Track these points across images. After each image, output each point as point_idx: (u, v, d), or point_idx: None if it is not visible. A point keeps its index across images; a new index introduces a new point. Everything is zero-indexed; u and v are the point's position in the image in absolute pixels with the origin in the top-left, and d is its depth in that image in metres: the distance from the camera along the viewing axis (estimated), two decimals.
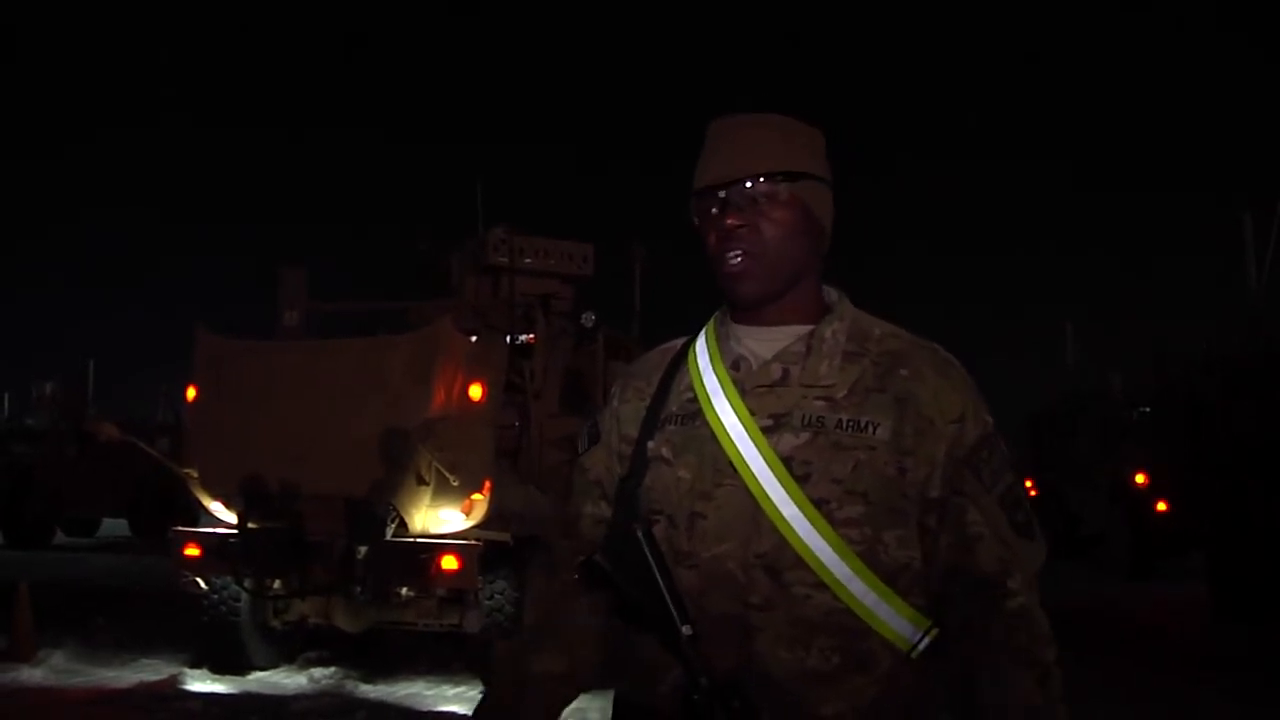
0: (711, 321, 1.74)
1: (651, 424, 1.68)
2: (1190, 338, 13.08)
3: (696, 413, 1.63)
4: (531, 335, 8.04)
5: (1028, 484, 16.85)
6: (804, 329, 1.64)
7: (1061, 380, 20.18)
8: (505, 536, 6.90)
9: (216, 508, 7.03)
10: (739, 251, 1.61)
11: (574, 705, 6.15)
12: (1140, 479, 13.27)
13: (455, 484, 6.46)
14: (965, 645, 1.56)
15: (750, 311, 1.66)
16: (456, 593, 6.94)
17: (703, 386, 1.64)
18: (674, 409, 1.67)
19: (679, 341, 1.77)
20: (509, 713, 1.62)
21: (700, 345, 1.70)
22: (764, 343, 1.65)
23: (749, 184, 1.60)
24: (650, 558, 1.52)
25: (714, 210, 1.62)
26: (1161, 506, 12.78)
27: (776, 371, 1.62)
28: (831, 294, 1.71)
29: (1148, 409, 14.14)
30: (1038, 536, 1.61)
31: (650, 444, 1.66)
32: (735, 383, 1.63)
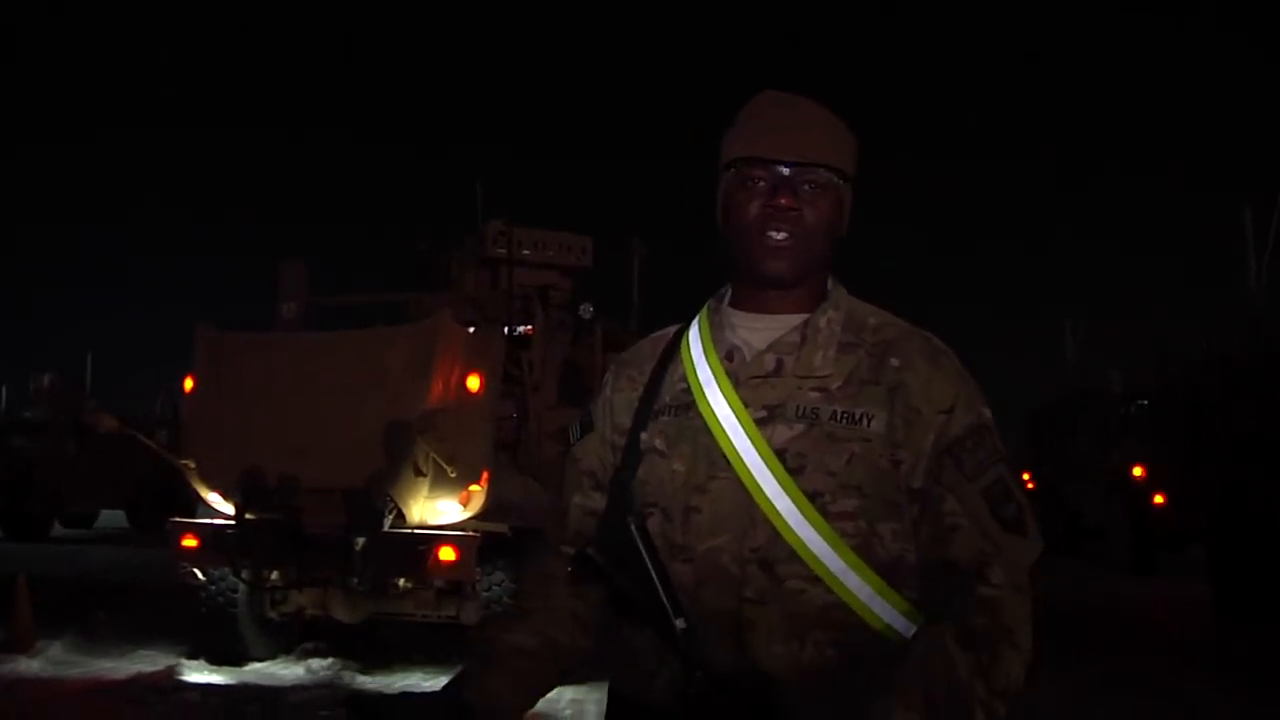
0: (705, 310, 1.71)
1: (644, 415, 1.66)
2: (1190, 335, 13.08)
3: (690, 404, 1.62)
4: (530, 327, 8.04)
5: (1025, 477, 16.95)
6: (799, 318, 1.63)
7: (1061, 379, 20.19)
8: (503, 528, 6.90)
9: (214, 499, 7.02)
10: (784, 232, 1.59)
11: (571, 696, 6.19)
12: (1139, 472, 13.27)
13: (453, 475, 6.46)
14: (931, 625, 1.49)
15: (755, 297, 1.65)
16: (454, 584, 6.95)
17: (696, 377, 1.63)
18: (667, 399, 1.65)
19: (671, 330, 1.75)
20: (473, 683, 1.58)
21: (693, 334, 1.68)
22: (758, 332, 1.64)
23: (810, 169, 1.58)
24: (644, 551, 1.51)
25: (762, 183, 1.59)
26: (1160, 499, 12.79)
27: (770, 362, 1.60)
28: (828, 282, 1.69)
29: (1146, 402, 14.14)
30: (1031, 533, 1.55)
31: (643, 435, 1.64)
32: (729, 373, 1.61)
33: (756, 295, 1.65)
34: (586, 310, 8.24)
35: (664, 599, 1.49)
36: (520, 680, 1.62)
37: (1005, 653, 1.45)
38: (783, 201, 1.58)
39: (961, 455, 1.54)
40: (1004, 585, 1.50)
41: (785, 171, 1.58)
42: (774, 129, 1.60)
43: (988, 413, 1.60)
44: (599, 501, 1.70)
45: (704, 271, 1.67)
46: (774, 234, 1.59)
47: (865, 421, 1.55)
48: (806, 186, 1.59)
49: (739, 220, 1.61)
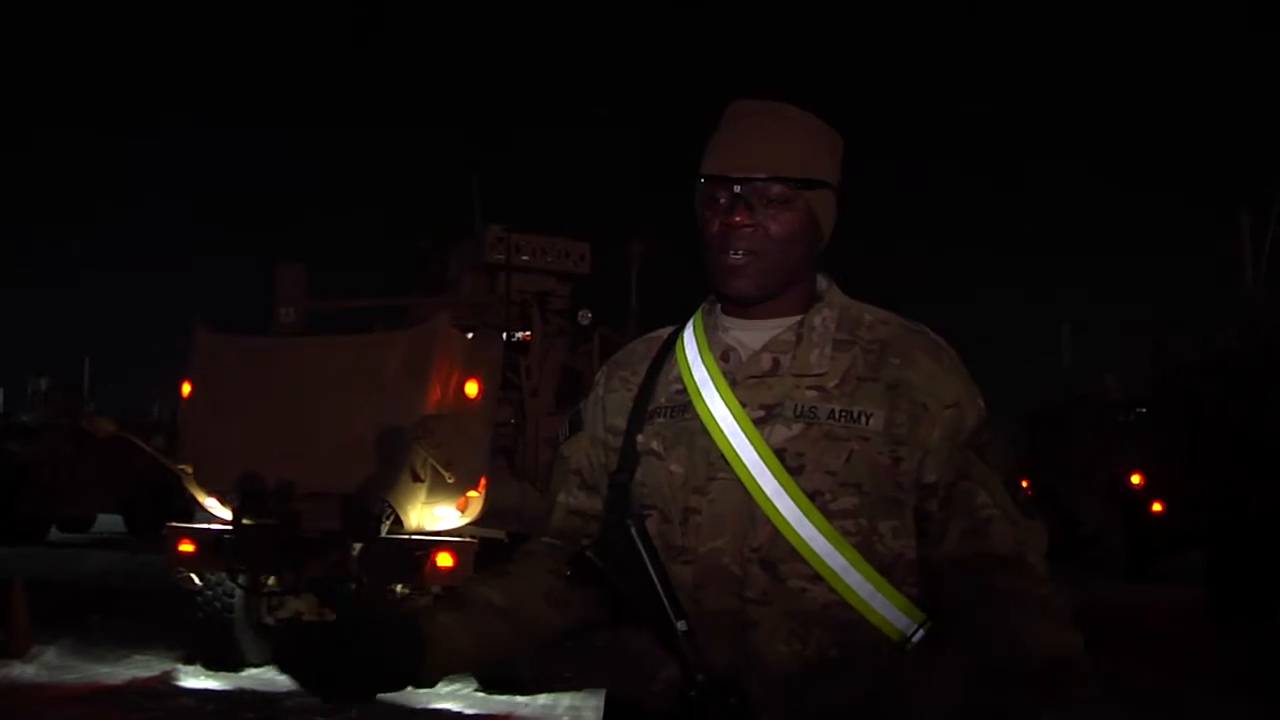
0: (699, 312, 1.71)
1: (639, 416, 1.66)
2: (1188, 336, 13.07)
3: (686, 405, 1.62)
4: (528, 333, 8.04)
5: (1024, 484, 16.95)
6: (793, 319, 1.63)
7: (1059, 381, 20.17)
8: (500, 534, 6.90)
9: (211, 504, 7.02)
10: (741, 249, 1.58)
11: (568, 704, 6.17)
12: (1136, 479, 13.27)
13: (451, 481, 6.45)
14: (973, 593, 1.53)
15: (740, 306, 1.65)
16: (451, 590, 6.92)
17: (692, 378, 1.62)
18: (662, 401, 1.65)
19: (665, 331, 1.75)
20: (434, 618, 1.57)
21: (688, 336, 1.68)
22: (753, 333, 1.64)
23: (765, 184, 1.57)
24: (644, 553, 1.51)
25: (722, 199, 1.59)
26: (1157, 507, 12.77)
27: (767, 362, 1.61)
28: (821, 281, 1.69)
29: (1144, 410, 14.14)
30: (1038, 516, 1.61)
31: (639, 437, 1.64)
32: (725, 374, 1.61)
33: (740, 305, 1.65)
34: (585, 316, 8.25)
35: (664, 601, 1.49)
36: (481, 632, 1.60)
37: (1059, 605, 1.52)
38: (737, 219, 1.58)
39: (984, 448, 1.58)
40: (1040, 565, 1.56)
41: (738, 189, 1.58)
42: (733, 145, 1.60)
43: (984, 405, 1.62)
44: (583, 500, 1.71)
45: (702, 274, 1.66)
46: (731, 252, 1.59)
47: (864, 419, 1.56)
48: (763, 201, 1.58)
49: (704, 236, 1.62)
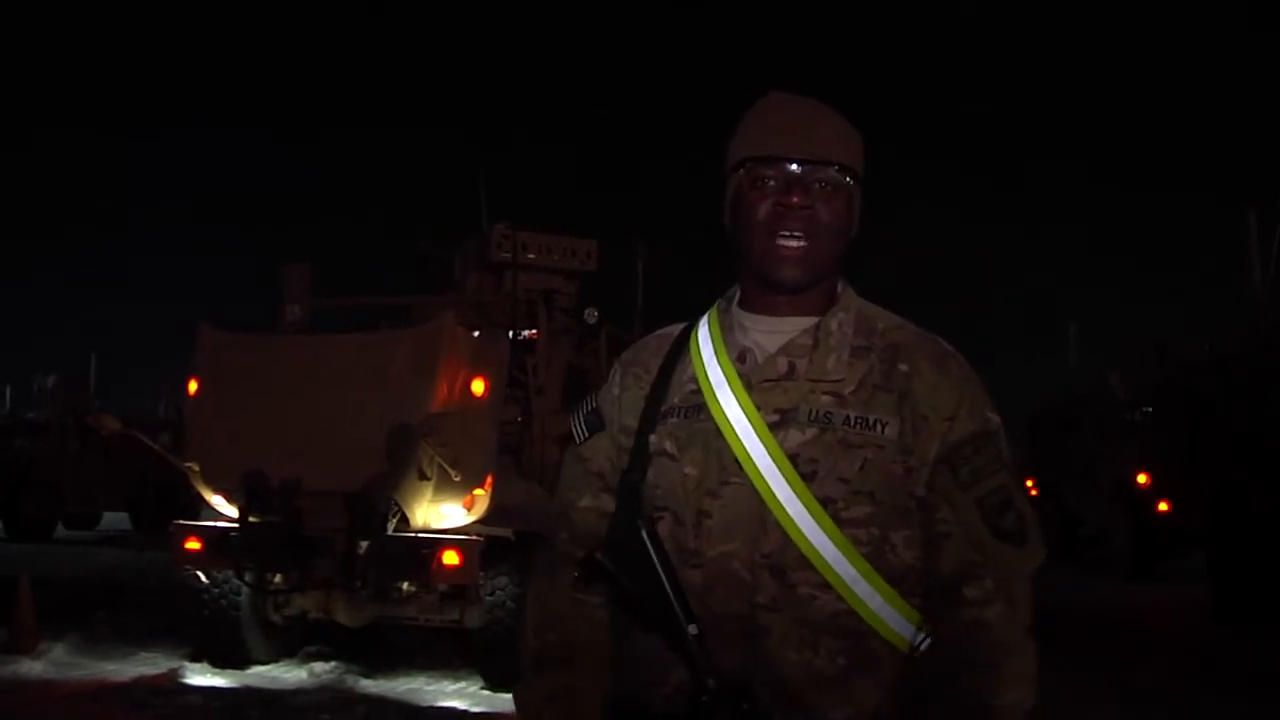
0: (714, 310, 1.69)
1: (652, 415, 1.64)
2: (1192, 336, 13.06)
3: (700, 406, 1.60)
4: (534, 331, 8.04)
5: (1029, 484, 16.90)
6: (810, 321, 1.62)
7: (1064, 380, 20.13)
8: (507, 532, 6.90)
9: (218, 501, 7.03)
10: (797, 232, 1.57)
11: None
12: (1141, 479, 13.24)
13: (457, 479, 6.46)
14: (929, 657, 1.53)
15: (765, 299, 1.63)
16: (457, 588, 6.94)
17: (707, 379, 1.61)
18: (676, 401, 1.63)
19: (676, 328, 1.73)
20: None
21: (703, 334, 1.66)
22: (770, 335, 1.62)
23: (821, 167, 1.58)
24: (655, 556, 1.50)
25: (773, 182, 1.58)
26: (1163, 507, 12.75)
27: (783, 365, 1.59)
28: (837, 284, 1.68)
29: (1148, 409, 14.12)
30: (1030, 541, 1.56)
31: (652, 437, 1.62)
32: (741, 376, 1.59)
33: (766, 298, 1.63)
34: (591, 315, 8.26)
35: (675, 605, 1.49)
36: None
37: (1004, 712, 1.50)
38: (795, 199, 1.57)
39: (958, 463, 1.54)
40: (988, 599, 1.52)
41: (796, 170, 1.58)
42: (784, 128, 1.60)
43: (995, 419, 1.59)
44: (609, 504, 1.67)
45: (709, 276, 1.67)
46: (785, 240, 1.58)
47: (879, 428, 1.54)
48: (818, 185, 1.58)
49: (750, 220, 1.60)
